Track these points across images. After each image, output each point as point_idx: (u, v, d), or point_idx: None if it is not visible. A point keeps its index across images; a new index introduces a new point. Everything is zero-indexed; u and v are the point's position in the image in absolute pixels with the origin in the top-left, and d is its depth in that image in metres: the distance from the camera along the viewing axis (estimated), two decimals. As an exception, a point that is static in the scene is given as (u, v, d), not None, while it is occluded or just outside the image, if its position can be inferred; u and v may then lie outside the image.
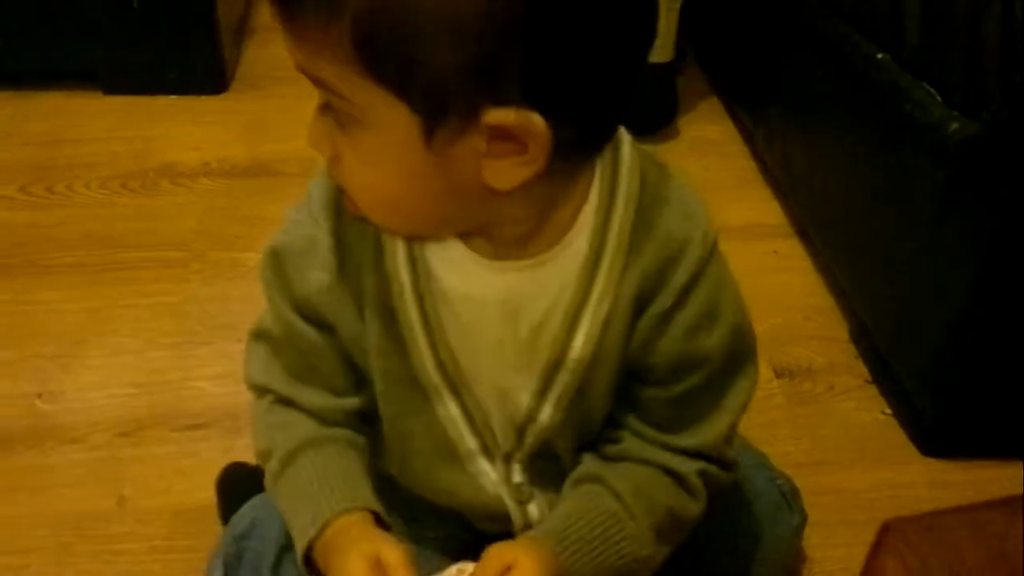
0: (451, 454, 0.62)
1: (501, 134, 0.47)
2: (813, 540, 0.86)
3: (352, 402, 0.63)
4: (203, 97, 1.53)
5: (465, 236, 0.55)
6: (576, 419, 0.61)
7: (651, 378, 0.59)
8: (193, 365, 1.05)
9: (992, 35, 0.85)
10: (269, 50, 1.67)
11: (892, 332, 1.05)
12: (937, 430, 1.00)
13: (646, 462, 0.61)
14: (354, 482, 0.60)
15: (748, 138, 1.49)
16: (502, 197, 0.50)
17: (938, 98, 0.92)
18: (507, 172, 0.48)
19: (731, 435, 0.62)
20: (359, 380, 0.62)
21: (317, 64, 0.47)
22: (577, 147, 0.50)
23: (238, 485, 0.84)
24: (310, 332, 0.60)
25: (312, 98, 0.51)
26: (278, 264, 0.59)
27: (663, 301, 0.56)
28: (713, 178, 1.40)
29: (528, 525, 0.64)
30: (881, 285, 1.07)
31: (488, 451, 0.63)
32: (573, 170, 0.53)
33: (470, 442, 0.62)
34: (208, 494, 0.88)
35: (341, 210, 0.56)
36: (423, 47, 0.44)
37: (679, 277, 0.55)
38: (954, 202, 0.91)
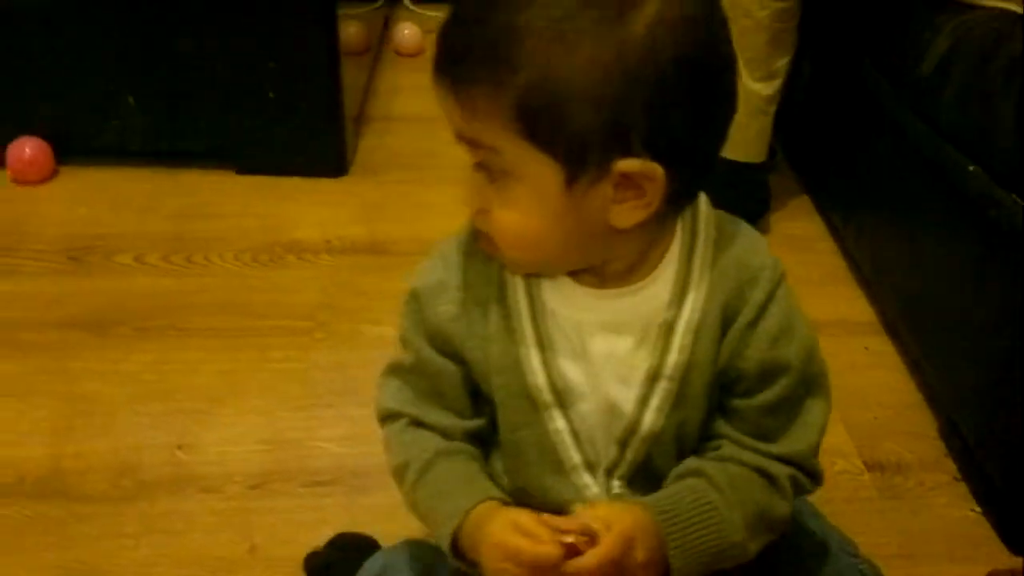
0: (559, 466, 0.70)
1: (626, 181, 0.58)
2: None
3: (472, 424, 0.72)
4: (325, 179, 1.65)
5: (575, 274, 0.67)
6: (675, 427, 0.68)
7: (741, 388, 0.68)
8: (317, 426, 1.14)
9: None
10: (384, 139, 1.79)
11: (980, 430, 1.08)
12: (1027, 529, 1.03)
13: (742, 463, 0.68)
14: (483, 481, 0.70)
15: (837, 236, 1.54)
16: (619, 236, 0.62)
17: (1026, 208, 0.97)
18: (628, 213, 0.60)
19: (817, 448, 0.70)
20: (478, 405, 0.72)
21: (478, 127, 0.58)
22: (681, 193, 0.62)
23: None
24: (439, 360, 0.70)
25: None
26: (415, 301, 0.71)
27: (746, 315, 0.66)
28: (803, 273, 1.45)
29: None
30: (968, 384, 1.11)
31: (591, 466, 0.70)
32: (675, 213, 0.65)
33: (575, 456, 0.70)
34: (331, 547, 0.96)
35: (468, 255, 0.69)
36: (571, 114, 0.56)
37: (757, 295, 0.66)
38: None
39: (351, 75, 1.77)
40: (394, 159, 1.73)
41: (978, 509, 1.08)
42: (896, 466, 1.14)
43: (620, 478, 0.71)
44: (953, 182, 1.11)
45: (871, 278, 1.41)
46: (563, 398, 0.68)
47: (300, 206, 1.58)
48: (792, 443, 0.69)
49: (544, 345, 0.67)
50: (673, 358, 0.66)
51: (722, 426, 0.70)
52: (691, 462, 0.69)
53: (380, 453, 1.06)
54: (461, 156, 0.62)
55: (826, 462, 1.09)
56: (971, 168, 1.08)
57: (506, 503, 0.68)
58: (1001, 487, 1.05)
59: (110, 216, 1.53)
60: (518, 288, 0.68)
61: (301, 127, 1.63)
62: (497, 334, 0.68)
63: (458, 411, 0.72)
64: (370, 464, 1.07)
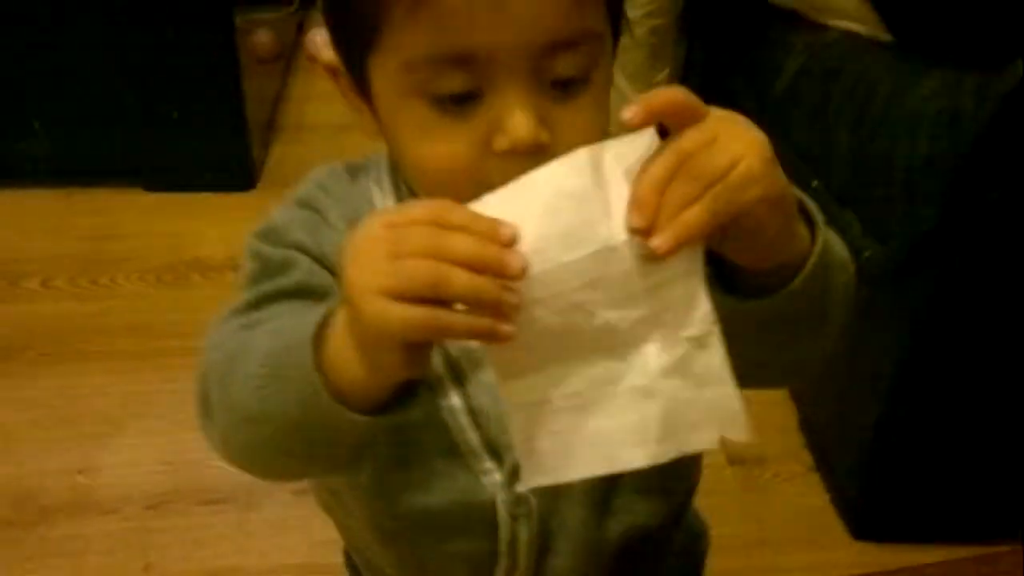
0: (454, 450, 0.58)
1: None
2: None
3: None
4: (232, 194, 1.68)
5: None
6: None
7: None
8: (214, 446, 1.20)
9: (900, 174, 0.99)
10: (295, 149, 1.83)
11: (827, 428, 1.18)
12: (866, 516, 1.12)
13: None
14: None
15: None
16: None
17: (857, 225, 1.06)
18: None
19: None
20: None
21: (588, 12, 0.51)
22: None
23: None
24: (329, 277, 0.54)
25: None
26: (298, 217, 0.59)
27: None
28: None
29: (512, 544, 0.59)
30: (817, 386, 1.19)
31: (493, 449, 0.58)
32: None
33: (472, 437, 0.57)
34: (223, 563, 1.03)
35: (314, 232, 0.57)
36: None
37: None
38: (873, 319, 1.04)
39: (260, 84, 1.80)
40: (304, 170, 1.73)
41: (827, 497, 1.17)
42: (757, 459, 1.22)
43: None
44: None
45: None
46: (459, 370, 0.57)
47: (205, 223, 1.61)
48: None
49: None
50: None
51: None
52: None
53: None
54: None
55: (688, 462, 1.20)
56: (814, 184, 1.15)
57: None
58: (843, 479, 1.14)
59: (18, 240, 1.56)
60: None
61: (205, 141, 1.67)
62: None
63: None
64: (260, 480, 1.14)
